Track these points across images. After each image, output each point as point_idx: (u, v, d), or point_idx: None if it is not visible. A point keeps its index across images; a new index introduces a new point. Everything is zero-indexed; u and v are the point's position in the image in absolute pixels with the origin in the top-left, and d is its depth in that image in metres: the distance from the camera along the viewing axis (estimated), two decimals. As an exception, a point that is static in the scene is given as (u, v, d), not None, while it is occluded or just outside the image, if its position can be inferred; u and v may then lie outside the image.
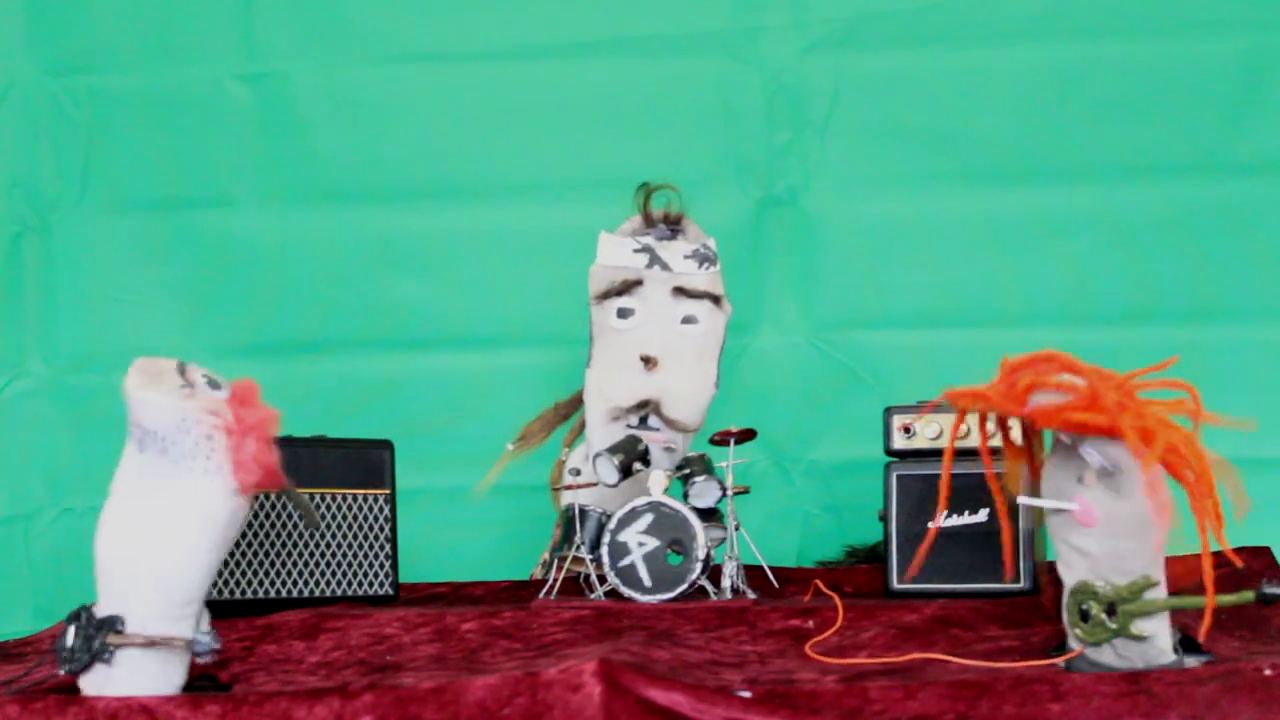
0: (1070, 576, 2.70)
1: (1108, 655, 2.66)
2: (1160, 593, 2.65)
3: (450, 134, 4.34)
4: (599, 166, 4.28)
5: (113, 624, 2.59)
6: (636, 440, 3.54)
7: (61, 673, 2.64)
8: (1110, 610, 2.63)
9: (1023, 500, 2.78)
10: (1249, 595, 2.62)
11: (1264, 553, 3.61)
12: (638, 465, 3.50)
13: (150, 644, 2.58)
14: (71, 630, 2.61)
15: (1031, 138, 4.20)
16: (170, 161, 4.39)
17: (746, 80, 4.27)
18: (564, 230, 4.30)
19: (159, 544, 2.58)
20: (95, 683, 2.61)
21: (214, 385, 2.62)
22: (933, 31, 4.21)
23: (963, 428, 3.45)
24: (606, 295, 3.70)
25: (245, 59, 4.36)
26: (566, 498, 3.66)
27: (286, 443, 3.54)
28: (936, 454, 3.45)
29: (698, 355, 3.68)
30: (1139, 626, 2.61)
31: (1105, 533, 2.62)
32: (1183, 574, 2.62)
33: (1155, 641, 2.64)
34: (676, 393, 3.63)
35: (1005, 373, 2.66)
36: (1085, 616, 2.66)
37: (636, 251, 3.71)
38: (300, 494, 2.74)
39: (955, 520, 3.42)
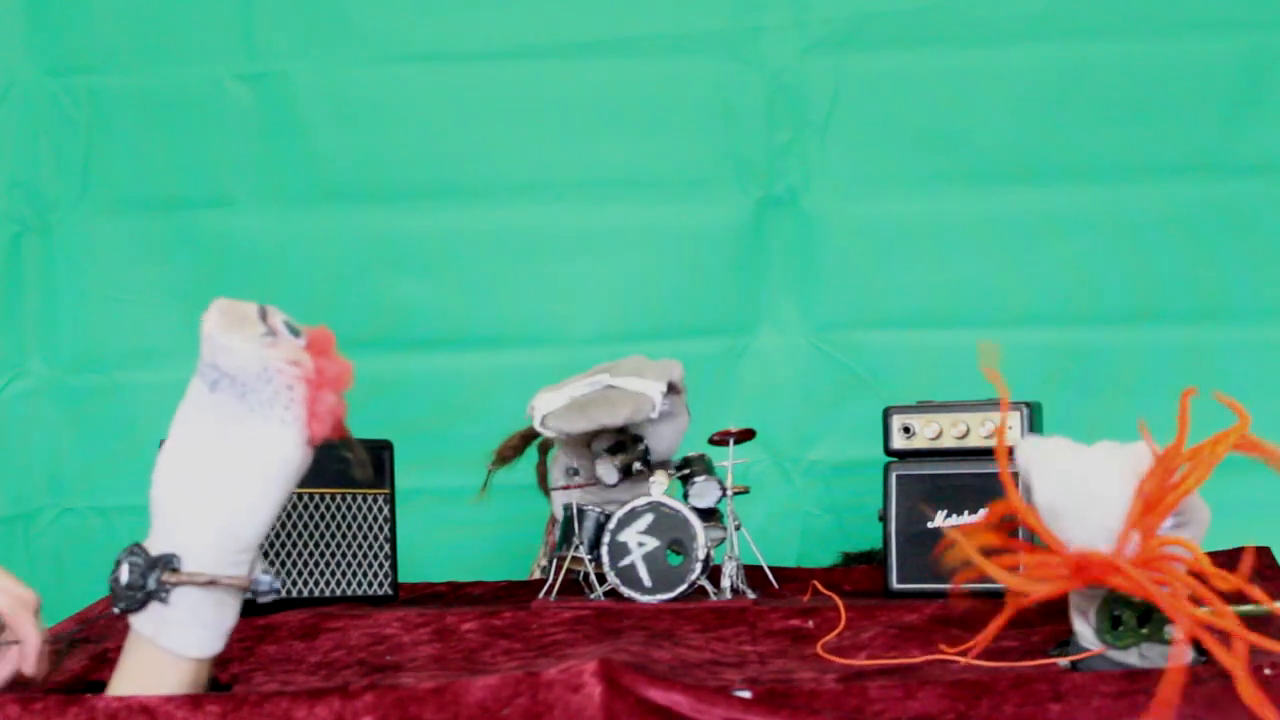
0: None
1: (1132, 657, 2.65)
2: None
3: (451, 134, 4.35)
4: (599, 166, 4.29)
5: (168, 562, 2.54)
6: (637, 440, 3.54)
7: (116, 611, 2.57)
8: (1144, 618, 2.61)
9: None
10: (1263, 608, 2.60)
11: (1264, 552, 3.60)
12: (638, 465, 3.50)
13: (211, 583, 2.52)
14: (126, 567, 2.55)
15: (1032, 138, 4.20)
16: (170, 161, 4.40)
17: (746, 80, 4.27)
18: (564, 230, 4.32)
19: (228, 489, 2.51)
20: (150, 621, 2.54)
21: (294, 332, 2.54)
22: (933, 31, 4.21)
23: (961, 427, 3.47)
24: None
25: (245, 59, 4.37)
26: (565, 498, 3.66)
27: (286, 443, 3.57)
28: (936, 454, 3.46)
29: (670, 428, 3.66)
30: (1171, 632, 2.59)
31: None
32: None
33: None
34: (658, 448, 3.62)
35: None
36: (1117, 623, 2.64)
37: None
38: (357, 442, 2.68)
39: (955, 520, 3.42)
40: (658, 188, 4.29)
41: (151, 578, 2.50)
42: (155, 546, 2.55)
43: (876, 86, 4.25)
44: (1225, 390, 3.70)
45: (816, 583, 3.55)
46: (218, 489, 2.52)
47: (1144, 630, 2.61)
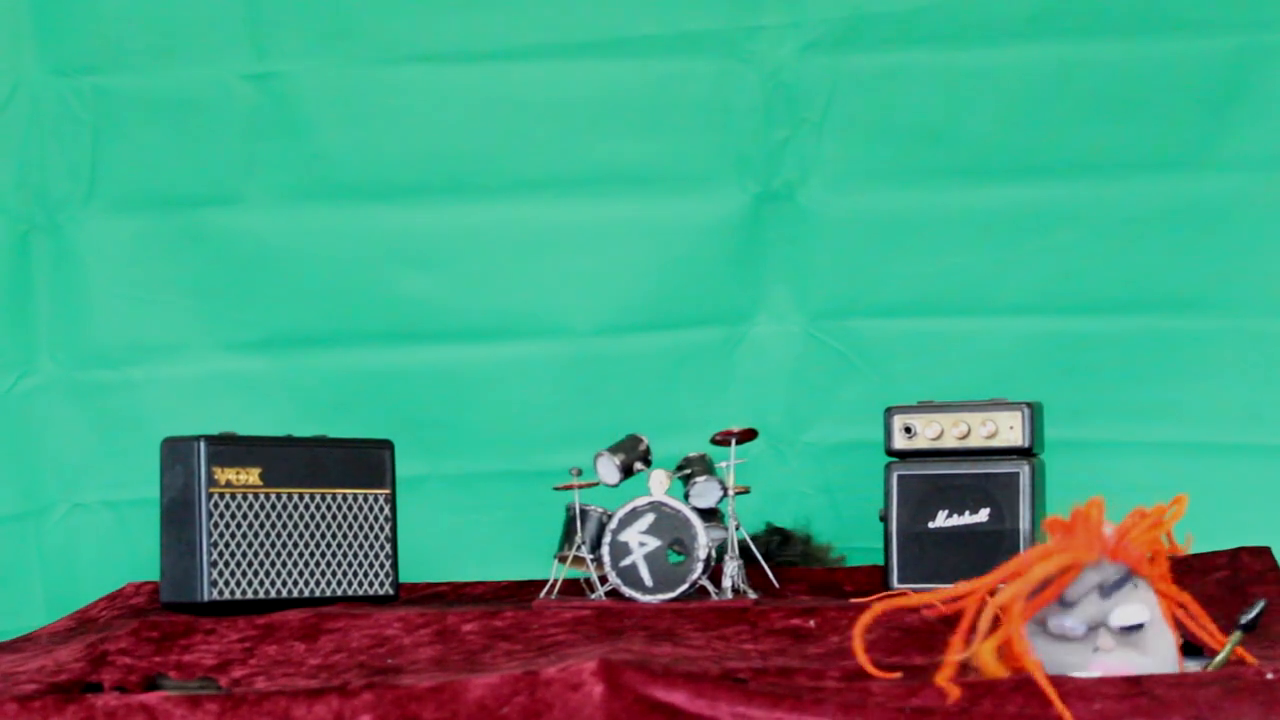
0: None
1: None
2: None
3: (453, 132, 4.36)
4: (600, 164, 4.31)
5: None
6: (637, 440, 3.55)
7: None
8: None
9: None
10: (1237, 636, 2.62)
11: (1263, 553, 3.61)
12: (638, 465, 3.51)
13: None
14: None
15: (1022, 134, 4.24)
16: (177, 160, 4.40)
17: (745, 79, 4.29)
18: (565, 226, 4.34)
19: None
20: None
21: None
22: (928, 31, 4.24)
23: (962, 427, 3.49)
24: None
25: (251, 59, 4.37)
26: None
27: (286, 443, 3.58)
28: (937, 454, 3.47)
29: None
30: None
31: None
32: None
33: None
34: None
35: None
36: None
37: None
38: None
39: (955, 520, 3.42)
40: (658, 184, 4.32)
41: None
42: None
43: (872, 85, 4.28)
44: (1207, 378, 3.69)
45: (849, 589, 3.51)
46: None
47: None
